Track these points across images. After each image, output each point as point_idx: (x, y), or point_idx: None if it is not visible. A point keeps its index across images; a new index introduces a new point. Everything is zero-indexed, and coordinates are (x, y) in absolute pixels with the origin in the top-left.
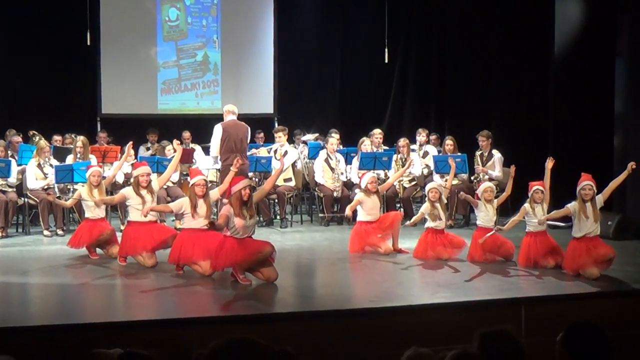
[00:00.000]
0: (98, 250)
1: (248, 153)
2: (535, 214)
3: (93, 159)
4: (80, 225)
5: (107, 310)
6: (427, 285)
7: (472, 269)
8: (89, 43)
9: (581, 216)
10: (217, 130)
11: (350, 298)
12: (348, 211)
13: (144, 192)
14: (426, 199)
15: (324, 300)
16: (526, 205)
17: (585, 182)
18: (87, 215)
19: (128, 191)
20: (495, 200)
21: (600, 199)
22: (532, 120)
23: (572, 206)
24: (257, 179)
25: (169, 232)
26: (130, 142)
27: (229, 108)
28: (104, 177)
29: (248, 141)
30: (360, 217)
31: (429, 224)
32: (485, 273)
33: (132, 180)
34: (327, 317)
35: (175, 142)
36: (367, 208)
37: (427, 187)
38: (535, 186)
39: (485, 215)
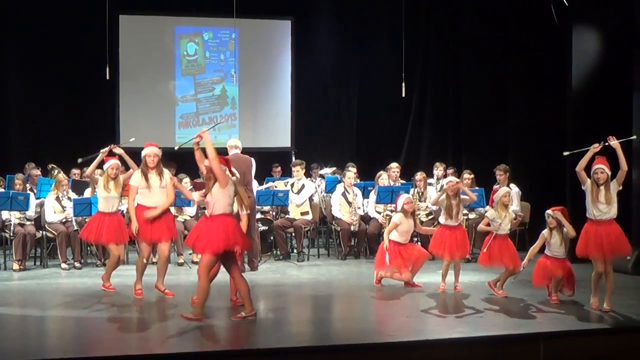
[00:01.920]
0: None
1: (266, 186)
2: (550, 240)
3: None
4: (93, 217)
5: (124, 343)
6: (445, 319)
7: (491, 304)
8: (107, 77)
9: (595, 199)
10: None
11: (367, 332)
12: (386, 240)
13: (152, 174)
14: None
15: (341, 334)
16: (544, 232)
17: (598, 166)
18: (100, 208)
19: (136, 178)
20: (512, 211)
21: (615, 185)
22: (550, 154)
23: (586, 187)
24: (274, 212)
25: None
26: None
27: (231, 143)
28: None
29: (253, 173)
30: (392, 236)
31: (442, 219)
32: (504, 308)
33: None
34: (343, 351)
35: None
36: (401, 230)
37: (446, 180)
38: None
39: (501, 223)
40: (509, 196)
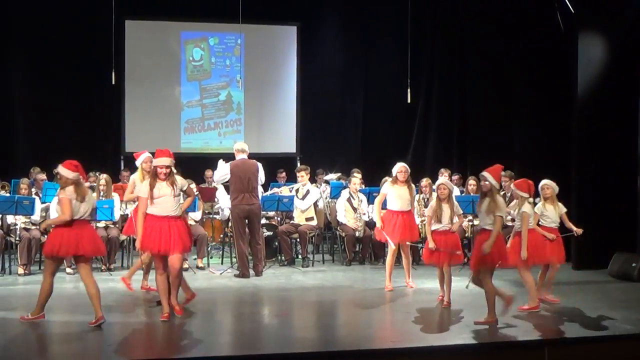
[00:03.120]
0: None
1: (270, 192)
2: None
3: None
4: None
5: (129, 348)
6: (449, 326)
7: (496, 309)
8: (113, 82)
9: (478, 207)
10: (225, 168)
11: (372, 338)
12: (377, 209)
13: (162, 184)
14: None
15: (345, 340)
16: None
17: (481, 174)
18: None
19: (144, 189)
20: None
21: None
22: (556, 160)
23: None
24: (279, 218)
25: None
26: None
27: (238, 147)
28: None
29: (259, 178)
30: (388, 205)
31: (434, 226)
32: (507, 314)
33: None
34: (347, 357)
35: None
36: (391, 196)
37: (436, 184)
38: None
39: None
40: (548, 188)
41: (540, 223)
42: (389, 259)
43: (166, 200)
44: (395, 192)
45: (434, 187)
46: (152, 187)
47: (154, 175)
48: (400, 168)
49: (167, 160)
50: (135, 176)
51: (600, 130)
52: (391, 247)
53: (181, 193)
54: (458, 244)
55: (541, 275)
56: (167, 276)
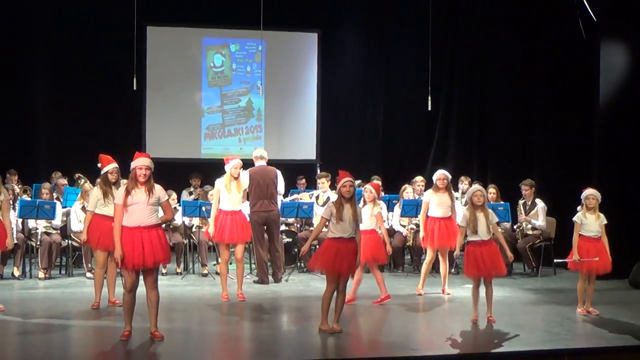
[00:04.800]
0: None
1: (290, 198)
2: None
3: None
4: (216, 216)
5: (147, 353)
6: (470, 334)
7: (515, 319)
8: (135, 88)
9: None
10: (244, 177)
11: (392, 345)
12: (422, 221)
13: (140, 190)
14: (466, 204)
15: (365, 347)
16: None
17: (346, 179)
18: (222, 207)
19: (120, 195)
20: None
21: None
22: (576, 169)
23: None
24: (298, 225)
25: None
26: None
27: (257, 154)
28: None
29: (278, 185)
30: (429, 213)
31: (470, 237)
32: (528, 323)
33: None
34: None
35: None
36: (433, 204)
37: (471, 191)
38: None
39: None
40: (593, 199)
41: (580, 233)
42: (425, 265)
43: (139, 208)
44: (436, 200)
45: (468, 194)
46: (129, 192)
47: (132, 178)
48: (439, 175)
49: (146, 161)
50: (220, 182)
51: (621, 138)
52: (429, 255)
53: (158, 205)
54: (498, 254)
55: (581, 286)
56: (134, 295)
